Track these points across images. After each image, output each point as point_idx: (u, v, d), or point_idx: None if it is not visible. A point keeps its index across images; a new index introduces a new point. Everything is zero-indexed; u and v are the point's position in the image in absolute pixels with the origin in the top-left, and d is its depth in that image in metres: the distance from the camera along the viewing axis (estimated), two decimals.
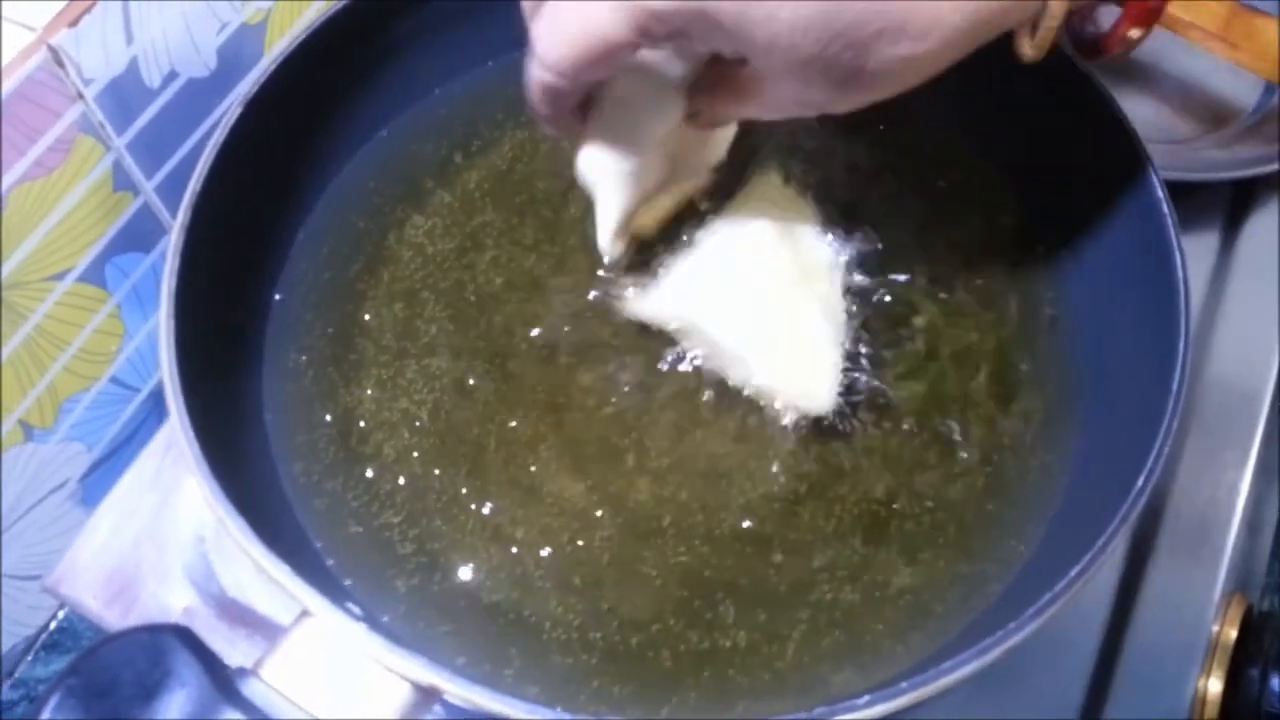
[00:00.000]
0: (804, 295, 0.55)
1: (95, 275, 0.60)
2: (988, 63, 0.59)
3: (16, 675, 0.67)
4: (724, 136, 0.56)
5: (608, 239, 0.53)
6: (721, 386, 0.54)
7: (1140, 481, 0.45)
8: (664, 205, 0.56)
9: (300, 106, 0.57)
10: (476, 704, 0.39)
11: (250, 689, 0.38)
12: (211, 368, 0.50)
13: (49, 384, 0.59)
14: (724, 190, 0.57)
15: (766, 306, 0.54)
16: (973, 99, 0.61)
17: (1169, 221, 0.51)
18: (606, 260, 0.55)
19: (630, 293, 0.56)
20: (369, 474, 0.53)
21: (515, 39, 0.64)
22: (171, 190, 0.62)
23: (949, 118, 0.62)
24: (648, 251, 0.56)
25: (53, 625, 0.68)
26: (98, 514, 0.60)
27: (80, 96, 0.54)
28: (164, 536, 0.59)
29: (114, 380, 0.65)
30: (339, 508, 0.52)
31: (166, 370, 0.46)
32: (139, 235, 0.61)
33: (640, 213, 0.54)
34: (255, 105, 0.53)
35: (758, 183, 0.58)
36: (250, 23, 0.63)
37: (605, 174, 0.52)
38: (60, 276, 0.57)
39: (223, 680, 0.38)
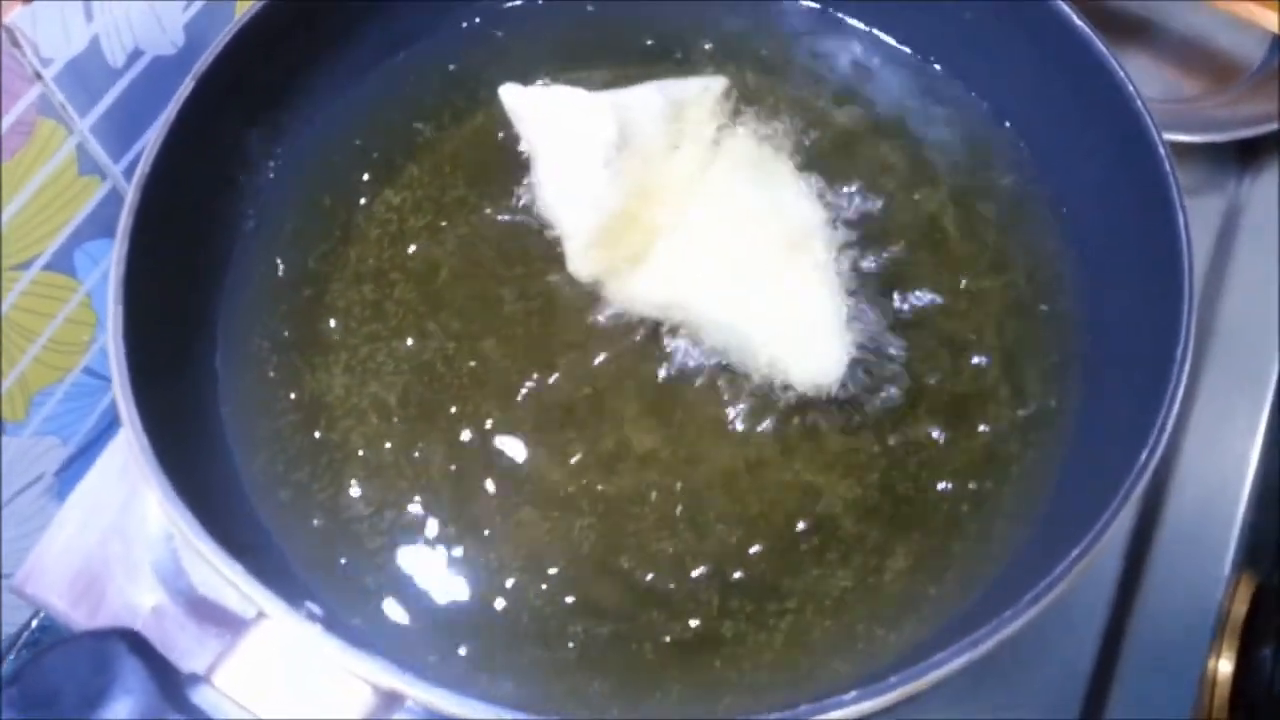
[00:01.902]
0: (797, 262, 0.53)
1: (64, 263, 0.58)
2: (991, 23, 0.58)
3: None
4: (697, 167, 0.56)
5: (577, 262, 0.55)
6: (708, 367, 0.53)
7: (1143, 457, 0.43)
8: (644, 241, 0.55)
9: (258, 80, 0.55)
10: (440, 709, 0.38)
11: (201, 696, 0.37)
12: (166, 355, 0.49)
13: (19, 376, 0.58)
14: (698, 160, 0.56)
15: (759, 279, 0.53)
16: (976, 59, 0.60)
17: (1172, 182, 0.50)
18: (580, 278, 0.55)
19: (615, 280, 0.54)
20: (336, 464, 0.51)
21: (486, 2, 0.63)
22: None
23: (952, 76, 0.62)
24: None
25: (34, 624, 0.67)
26: (63, 510, 0.59)
27: (38, 77, 0.52)
28: (132, 533, 0.57)
29: (87, 371, 0.63)
30: (304, 500, 0.50)
31: (114, 359, 0.44)
32: (108, 221, 0.60)
33: (614, 242, 0.54)
34: (209, 79, 0.52)
35: (731, 147, 0.57)
36: None
37: (557, 204, 0.55)
38: (26, 265, 0.56)
39: (171, 687, 0.36)
